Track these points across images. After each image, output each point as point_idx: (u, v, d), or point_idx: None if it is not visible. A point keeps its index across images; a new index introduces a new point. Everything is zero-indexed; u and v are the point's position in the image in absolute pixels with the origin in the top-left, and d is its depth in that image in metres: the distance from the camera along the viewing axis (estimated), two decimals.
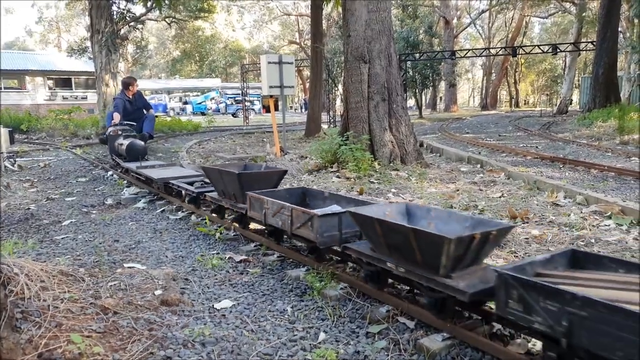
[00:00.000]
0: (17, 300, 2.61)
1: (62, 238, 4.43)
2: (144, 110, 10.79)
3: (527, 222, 5.03)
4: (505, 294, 2.04)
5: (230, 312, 2.80)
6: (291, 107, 50.59)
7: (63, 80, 28.21)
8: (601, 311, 1.75)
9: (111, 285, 3.05)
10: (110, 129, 9.58)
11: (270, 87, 10.91)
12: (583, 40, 28.50)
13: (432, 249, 2.36)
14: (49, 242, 4.33)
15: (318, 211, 3.24)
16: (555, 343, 1.93)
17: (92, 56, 17.90)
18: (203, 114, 41.38)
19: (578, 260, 2.38)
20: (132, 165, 7.25)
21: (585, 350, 1.84)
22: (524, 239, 4.53)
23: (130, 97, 10.50)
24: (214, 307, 2.85)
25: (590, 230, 4.70)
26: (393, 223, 2.59)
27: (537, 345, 2.26)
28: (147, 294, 2.94)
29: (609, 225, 4.87)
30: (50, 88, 27.84)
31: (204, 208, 5.13)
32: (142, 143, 8.27)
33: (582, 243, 4.36)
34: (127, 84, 10.65)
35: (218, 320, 2.69)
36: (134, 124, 10.14)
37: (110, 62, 16.77)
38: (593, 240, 4.38)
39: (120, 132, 8.86)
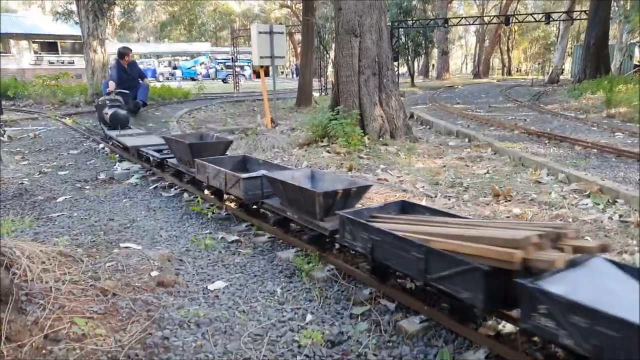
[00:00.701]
0: (21, 283, 2.76)
1: (58, 216, 4.55)
2: (139, 79, 11.45)
3: (510, 201, 5.22)
4: (342, 229, 2.99)
5: (223, 292, 2.97)
6: (282, 72, 49.99)
7: (49, 45, 27.58)
8: (386, 237, 2.65)
9: (109, 266, 3.20)
10: (101, 98, 10.02)
11: (261, 57, 10.83)
12: (577, 8, 28.29)
13: (311, 200, 3.30)
14: (45, 219, 4.44)
15: (244, 175, 4.08)
16: (367, 258, 2.86)
17: (78, 21, 17.53)
18: (193, 79, 40.87)
19: (405, 207, 3.31)
20: (112, 133, 8.01)
21: (382, 262, 2.75)
22: (505, 217, 4.72)
23: (126, 66, 11.13)
24: (208, 288, 3.02)
25: (569, 209, 4.90)
26: (289, 183, 3.51)
27: (506, 327, 2.45)
28: (143, 275, 3.09)
29: (587, 204, 5.06)
30: (35, 52, 27.24)
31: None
32: (125, 112, 8.83)
33: (560, 222, 4.56)
34: (123, 53, 11.19)
35: (212, 301, 2.86)
36: (128, 92, 10.63)
37: (97, 28, 16.41)
38: (570, 220, 4.58)
39: (107, 102, 9.26)
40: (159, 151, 6.16)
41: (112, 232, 4.00)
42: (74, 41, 26.97)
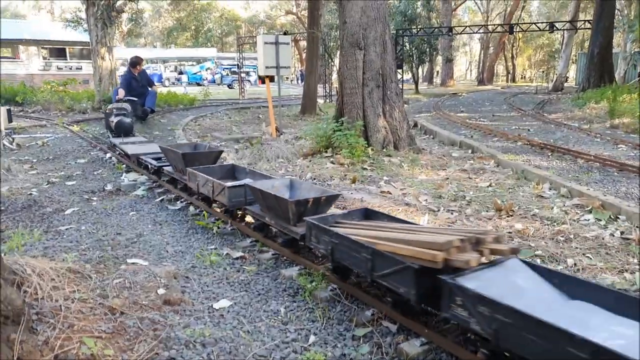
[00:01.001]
0: (32, 302, 2.83)
1: (66, 229, 4.63)
2: (148, 87, 12.30)
3: (512, 216, 5.27)
4: (309, 233, 3.36)
5: (228, 312, 3.04)
6: (287, 77, 50.17)
7: (57, 50, 27.85)
8: (343, 240, 3.02)
9: (117, 283, 3.27)
10: (109, 106, 10.49)
11: (267, 67, 10.96)
12: (581, 16, 28.33)
13: (284, 208, 3.70)
14: (54, 233, 4.53)
15: (228, 183, 4.47)
16: (328, 259, 3.26)
17: (87, 28, 17.73)
18: (199, 84, 41.10)
19: (369, 214, 3.70)
20: (116, 141, 8.41)
21: (340, 262, 3.12)
22: (507, 233, 4.76)
23: (136, 74, 11.98)
24: (213, 306, 3.08)
25: (570, 225, 4.94)
26: (266, 191, 3.90)
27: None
28: (150, 292, 3.16)
29: (589, 220, 5.10)
30: (44, 58, 27.52)
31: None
32: (129, 121, 9.28)
33: (562, 238, 4.60)
34: (135, 62, 12.06)
35: (217, 321, 2.93)
36: (136, 99, 11.40)
37: (106, 36, 16.61)
38: (572, 236, 4.61)
39: (114, 110, 9.64)
40: (157, 159, 6.49)
41: (120, 247, 4.07)
42: (82, 47, 27.23)
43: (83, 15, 18.95)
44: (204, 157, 5.66)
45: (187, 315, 2.97)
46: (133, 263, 3.71)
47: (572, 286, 2.44)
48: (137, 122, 12.16)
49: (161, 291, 3.19)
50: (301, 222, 3.59)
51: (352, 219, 3.57)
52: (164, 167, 6.10)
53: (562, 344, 1.87)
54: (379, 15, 8.18)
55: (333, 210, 4.23)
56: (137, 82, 11.93)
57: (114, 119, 9.20)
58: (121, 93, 10.99)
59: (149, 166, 6.51)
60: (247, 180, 4.67)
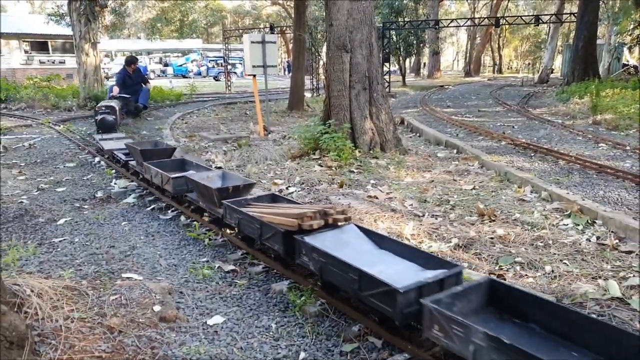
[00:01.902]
0: (33, 323, 2.94)
1: (60, 241, 4.72)
2: (142, 84, 13.24)
3: (494, 220, 5.46)
4: (225, 212, 4.37)
5: (222, 328, 3.18)
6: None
7: (39, 44, 27.47)
8: (245, 216, 4.05)
9: (113, 300, 3.39)
10: (100, 103, 11.39)
11: (254, 66, 11.01)
12: (567, 7, 28.62)
13: (211, 193, 4.66)
14: (48, 245, 4.61)
15: (172, 175, 5.37)
16: (236, 231, 4.41)
17: (70, 23, 17.53)
18: (184, 76, 40.80)
19: (275, 198, 4.63)
20: (97, 136, 9.27)
21: (243, 232, 4.18)
22: (489, 239, 4.95)
23: (131, 72, 12.91)
24: (207, 323, 3.22)
25: (549, 230, 5.14)
26: (198, 181, 4.89)
27: None
28: (146, 309, 3.29)
29: (567, 224, 5.30)
30: (26, 52, 27.13)
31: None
32: (111, 119, 10.15)
33: (541, 244, 4.80)
34: (130, 61, 13.16)
35: (211, 337, 3.06)
36: (129, 96, 12.43)
37: (90, 31, 16.45)
38: (551, 242, 4.81)
39: (103, 108, 10.47)
40: (127, 154, 7.21)
41: (114, 261, 4.18)
42: (64, 41, 26.87)
43: (65, 9, 18.73)
44: (160, 153, 6.59)
45: (182, 332, 3.11)
46: (128, 278, 3.82)
47: (383, 242, 3.59)
48: (130, 117, 12.90)
49: (157, 308, 3.31)
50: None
51: (261, 201, 4.51)
52: (130, 162, 6.96)
53: (349, 273, 2.96)
54: (365, 18, 8.28)
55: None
56: (132, 79, 12.79)
57: (98, 117, 10.13)
58: (115, 90, 12.10)
59: (120, 160, 7.37)
60: (191, 172, 5.60)
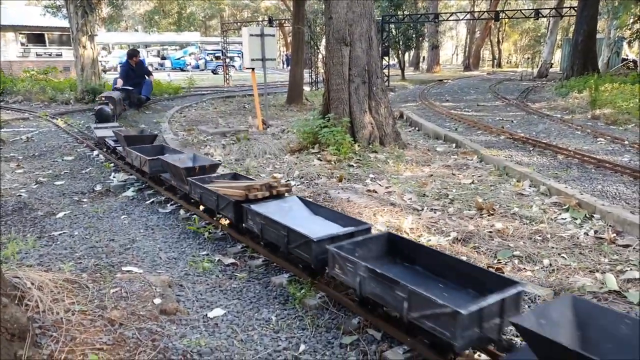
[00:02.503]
0: (34, 315, 2.95)
1: (60, 235, 4.72)
2: (146, 76, 13.76)
3: (493, 215, 5.47)
4: (190, 188, 4.99)
5: (222, 320, 3.19)
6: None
7: (36, 36, 27.29)
8: (205, 190, 4.65)
9: (114, 293, 3.40)
10: (103, 94, 11.98)
11: (252, 59, 10.97)
12: (566, 2, 28.53)
13: (180, 173, 5.22)
14: (48, 239, 4.62)
15: (148, 157, 5.92)
16: (200, 202, 4.96)
17: (67, 15, 17.43)
18: (182, 70, 40.64)
19: (236, 176, 5.23)
20: (93, 125, 9.96)
21: (205, 204, 4.79)
22: (488, 232, 4.97)
23: (134, 65, 13.42)
24: (208, 315, 3.23)
25: (548, 224, 5.16)
26: (170, 162, 5.52)
27: (482, 356, 2.70)
28: (147, 302, 3.30)
29: (566, 218, 5.32)
30: (22, 44, 26.96)
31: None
32: (108, 109, 10.54)
33: (539, 238, 4.82)
34: (132, 55, 13.65)
35: (212, 330, 3.08)
36: (131, 88, 12.97)
37: (87, 24, 16.36)
38: (549, 236, 4.83)
39: (103, 99, 11.00)
40: (117, 141, 7.71)
41: (114, 254, 4.19)
42: (61, 33, 26.72)
43: (62, 1, 18.63)
44: (142, 139, 7.24)
45: (183, 325, 3.12)
46: (128, 271, 3.83)
47: (318, 210, 4.26)
48: (132, 109, 13.34)
49: (157, 301, 3.32)
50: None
51: (223, 179, 5.12)
52: (117, 147, 7.56)
53: (280, 230, 3.63)
54: (364, 11, 8.26)
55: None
56: (134, 72, 13.30)
57: (97, 107, 10.67)
58: (119, 82, 12.78)
59: (111, 146, 7.95)
60: (166, 155, 6.21)
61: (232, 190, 4.35)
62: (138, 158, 6.20)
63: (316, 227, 3.72)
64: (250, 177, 5.33)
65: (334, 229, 3.71)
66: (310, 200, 4.60)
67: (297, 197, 4.48)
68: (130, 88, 12.95)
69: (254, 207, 4.06)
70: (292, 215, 4.10)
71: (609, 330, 2.28)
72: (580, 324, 2.35)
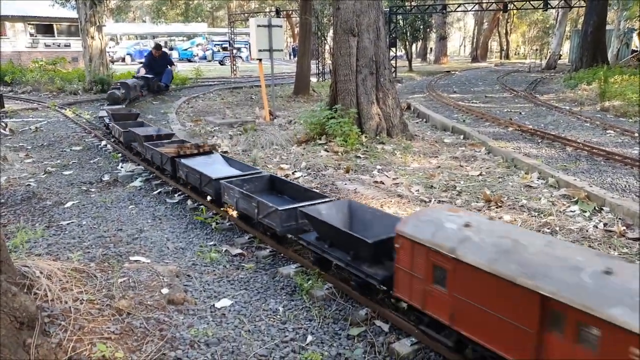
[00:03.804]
0: (42, 304, 2.97)
1: (68, 224, 4.74)
2: (168, 66, 16.11)
3: (501, 207, 5.44)
4: (145, 150, 6.62)
5: (230, 311, 3.20)
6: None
7: (44, 27, 27.31)
8: (154, 151, 6.19)
9: (121, 283, 3.41)
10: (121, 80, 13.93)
11: (260, 50, 10.93)
12: None
13: (140, 138, 6.85)
14: (56, 228, 4.64)
15: (123, 130, 7.52)
16: (150, 161, 6.56)
17: (75, 6, 17.43)
18: (190, 60, 40.57)
19: (183, 142, 6.76)
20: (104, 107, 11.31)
21: (154, 162, 6.40)
22: None
23: (157, 56, 15.75)
24: (215, 306, 3.24)
25: (556, 216, 5.12)
26: (136, 132, 7.11)
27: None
28: (154, 292, 3.31)
29: (575, 211, 5.28)
30: (31, 35, 27.00)
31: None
32: (118, 93, 12.11)
33: (547, 230, 4.79)
34: (156, 47, 16.41)
35: (219, 320, 3.09)
36: (150, 77, 14.96)
37: (95, 14, 16.36)
38: (558, 229, 4.80)
39: (118, 84, 12.74)
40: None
41: (122, 244, 4.20)
42: (70, 24, 26.73)
43: None
44: (127, 116, 8.93)
45: (190, 315, 3.13)
46: (136, 261, 3.85)
47: (233, 164, 5.74)
48: (151, 94, 15.21)
49: (165, 290, 3.33)
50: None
51: (171, 144, 6.42)
52: (109, 123, 8.71)
53: (195, 174, 5.09)
54: (372, 2, 8.18)
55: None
56: (157, 62, 15.46)
57: (109, 91, 12.26)
58: (142, 71, 14.92)
59: (105, 123, 9.32)
60: (137, 128, 7.72)
61: (169, 149, 5.92)
62: (117, 130, 7.82)
63: (223, 173, 5.09)
64: (199, 143, 6.42)
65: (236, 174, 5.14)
66: (230, 157, 6.07)
67: (219, 153, 6.09)
68: (150, 76, 14.82)
69: (183, 160, 5.51)
70: (213, 166, 5.51)
71: (363, 219, 3.64)
72: (349, 216, 3.73)
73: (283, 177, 5.28)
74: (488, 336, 2.23)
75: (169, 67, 16.03)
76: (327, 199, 4.09)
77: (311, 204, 3.80)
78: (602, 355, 1.83)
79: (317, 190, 4.86)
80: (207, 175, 4.84)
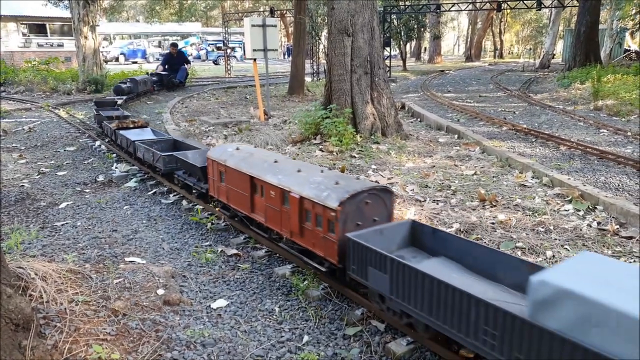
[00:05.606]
0: (38, 306, 2.96)
1: (62, 225, 4.72)
2: (184, 64, 18.02)
3: (495, 206, 5.46)
4: (103, 128, 8.75)
5: (225, 311, 3.20)
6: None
7: (37, 27, 27.15)
8: (108, 128, 8.09)
9: (117, 284, 3.40)
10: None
11: (254, 50, 10.92)
12: None
13: (102, 119, 8.85)
14: (51, 229, 4.62)
15: (96, 114, 9.38)
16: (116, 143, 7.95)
17: (68, 5, 17.35)
18: None
19: (142, 125, 7.92)
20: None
21: (109, 137, 8.31)
22: (490, 224, 4.96)
23: (174, 55, 17.75)
24: (211, 306, 3.24)
25: (551, 215, 5.15)
26: (100, 114, 9.17)
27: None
28: (150, 293, 3.30)
29: (568, 210, 5.31)
30: (24, 34, 26.84)
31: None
32: (123, 87, 13.42)
33: (542, 229, 4.81)
34: (173, 46, 18.85)
35: (215, 321, 3.09)
36: (164, 73, 17.06)
37: (88, 14, 16.30)
38: (552, 227, 4.83)
39: (127, 81, 14.17)
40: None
41: (117, 245, 4.19)
42: (63, 23, 26.59)
43: None
44: (108, 104, 10.37)
45: (186, 316, 3.13)
46: (131, 262, 3.84)
47: (160, 134, 7.47)
48: (165, 89, 16.96)
49: (160, 291, 3.33)
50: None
51: (124, 121, 7.93)
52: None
53: (126, 141, 7.01)
54: (366, 2, 8.19)
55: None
56: (174, 60, 17.43)
57: (116, 85, 13.84)
58: (159, 68, 17.30)
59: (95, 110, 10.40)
60: (102, 110, 9.47)
61: (115, 124, 7.67)
62: (99, 117, 9.15)
63: (143, 138, 6.68)
64: (135, 119, 8.10)
65: (163, 141, 6.59)
66: (156, 130, 7.77)
67: (151, 128, 7.73)
68: (164, 73, 17.00)
69: (121, 131, 7.23)
70: (141, 135, 7.09)
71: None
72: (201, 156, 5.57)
73: (182, 140, 6.86)
74: (238, 204, 4.19)
75: (185, 65, 17.81)
76: (195, 149, 5.75)
77: (182, 152, 5.51)
78: (268, 200, 3.77)
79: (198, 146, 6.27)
80: (129, 139, 6.70)
